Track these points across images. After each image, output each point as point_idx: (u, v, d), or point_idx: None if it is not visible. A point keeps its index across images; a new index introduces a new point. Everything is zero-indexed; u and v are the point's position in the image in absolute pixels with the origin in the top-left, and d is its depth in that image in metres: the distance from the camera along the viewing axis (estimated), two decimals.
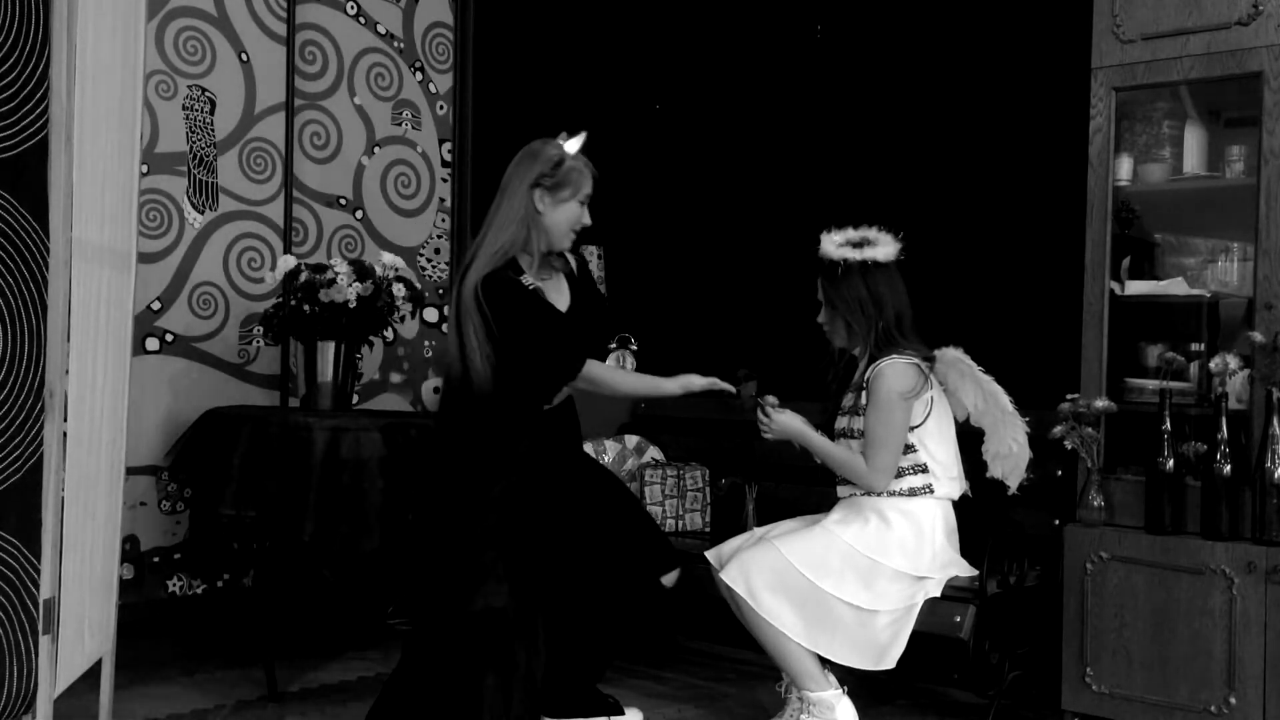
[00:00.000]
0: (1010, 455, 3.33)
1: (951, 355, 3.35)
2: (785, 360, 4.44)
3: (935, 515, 3.27)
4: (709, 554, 3.43)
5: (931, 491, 3.26)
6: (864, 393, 3.25)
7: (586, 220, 3.26)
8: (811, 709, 3.15)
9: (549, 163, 3.18)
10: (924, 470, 3.25)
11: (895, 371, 3.21)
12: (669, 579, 3.36)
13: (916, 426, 3.24)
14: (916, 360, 3.23)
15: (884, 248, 3.30)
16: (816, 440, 3.31)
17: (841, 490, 3.38)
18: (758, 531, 3.44)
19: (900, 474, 3.26)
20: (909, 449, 3.25)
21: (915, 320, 3.32)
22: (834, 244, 3.33)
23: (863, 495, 3.30)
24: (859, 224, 3.37)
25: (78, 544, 3.12)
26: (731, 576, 3.21)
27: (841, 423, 3.36)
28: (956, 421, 3.36)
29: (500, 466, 3.12)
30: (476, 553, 3.07)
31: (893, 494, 3.26)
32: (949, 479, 3.29)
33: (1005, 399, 3.30)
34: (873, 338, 3.28)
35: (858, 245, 3.31)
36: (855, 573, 3.16)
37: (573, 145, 3.22)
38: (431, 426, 4.05)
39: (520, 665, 3.01)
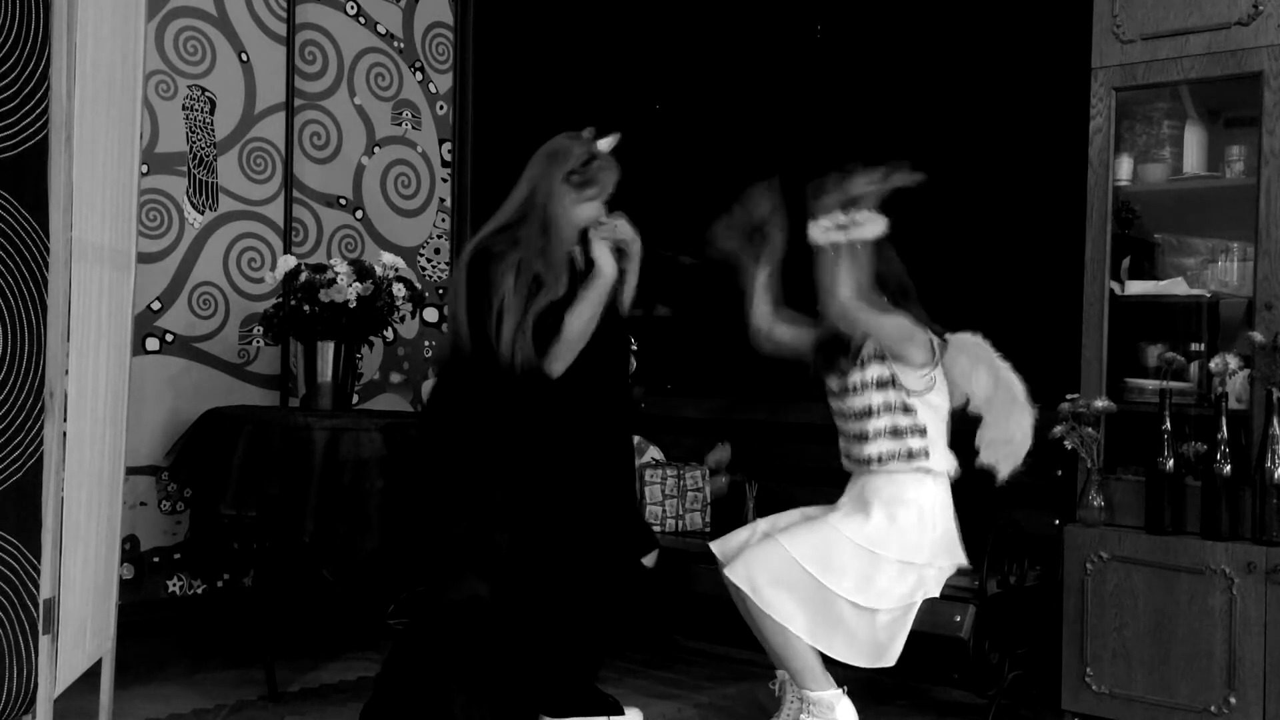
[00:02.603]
0: (1011, 442, 3.31)
1: (969, 340, 3.33)
2: (784, 358, 4.45)
3: (935, 499, 3.27)
4: (713, 545, 3.40)
5: (927, 457, 3.24)
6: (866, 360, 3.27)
7: (604, 219, 3.23)
8: (811, 708, 3.15)
9: (579, 159, 3.16)
10: (923, 433, 3.24)
11: (917, 333, 3.21)
12: (649, 560, 3.36)
13: (918, 394, 3.24)
14: (930, 336, 3.23)
15: (870, 226, 3.28)
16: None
17: (847, 463, 3.36)
18: (761, 524, 3.41)
19: (900, 434, 3.25)
20: (907, 410, 3.25)
21: (920, 297, 3.30)
22: (820, 230, 3.32)
23: (864, 476, 3.30)
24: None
25: (78, 544, 3.11)
26: (736, 574, 3.19)
27: (840, 382, 3.34)
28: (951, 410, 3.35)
29: (509, 474, 3.12)
30: (475, 544, 3.07)
31: (893, 456, 3.24)
32: (942, 453, 3.29)
33: (1019, 388, 3.28)
34: None
35: (843, 227, 3.29)
36: (857, 569, 3.16)
37: (605, 144, 3.21)
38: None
39: (490, 668, 3.02)
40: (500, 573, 3.06)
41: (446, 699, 3.00)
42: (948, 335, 3.35)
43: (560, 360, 3.13)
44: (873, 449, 3.28)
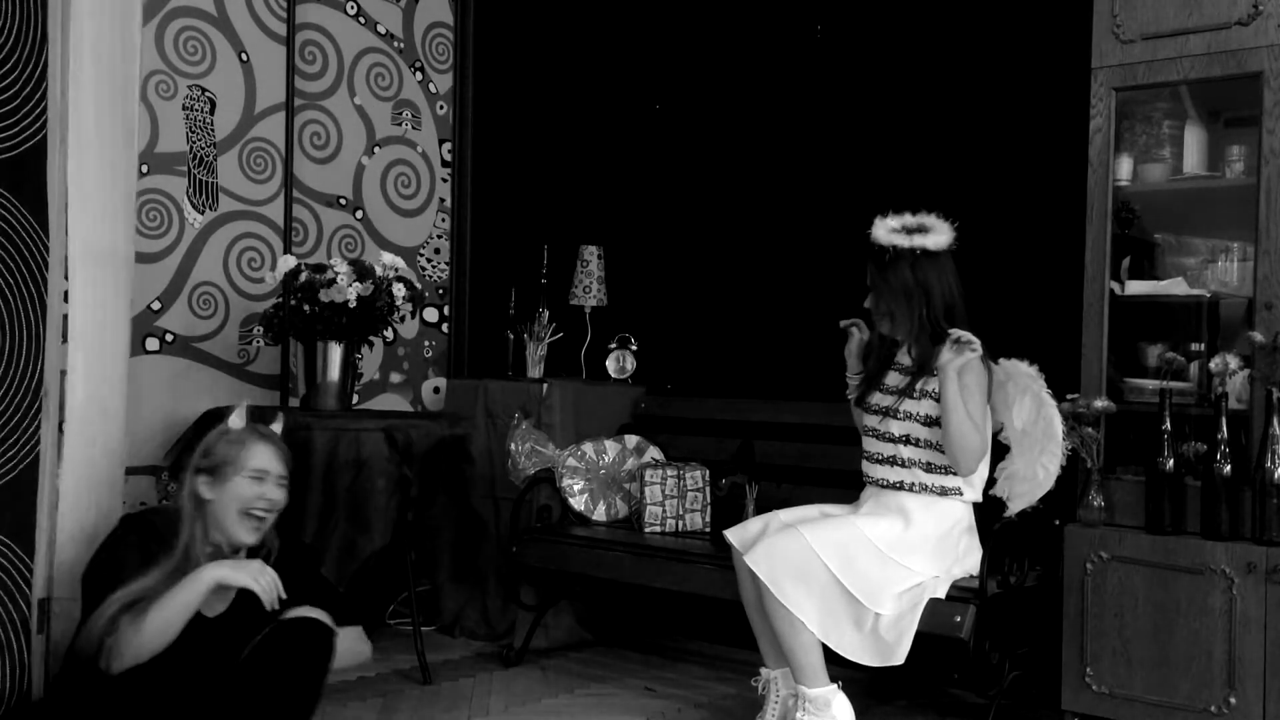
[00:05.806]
0: (1033, 480, 3.30)
1: (1022, 370, 3.32)
2: (784, 358, 4.45)
3: (960, 517, 3.27)
4: (729, 533, 3.37)
5: (960, 494, 3.26)
6: (922, 378, 3.26)
7: (273, 496, 2.93)
8: (808, 705, 3.14)
9: (203, 448, 2.92)
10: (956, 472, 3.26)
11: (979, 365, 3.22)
12: None
13: None
14: (988, 392, 3.25)
15: (936, 236, 3.25)
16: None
17: (871, 480, 3.37)
18: (782, 515, 3.38)
19: (934, 469, 3.26)
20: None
21: (968, 314, 3.28)
22: (886, 229, 3.27)
23: (890, 493, 3.30)
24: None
25: (75, 544, 3.11)
26: (757, 563, 3.17)
27: (886, 401, 3.34)
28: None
29: None
30: None
31: (925, 489, 3.25)
32: (980, 483, 3.30)
33: (1059, 426, 3.26)
34: (914, 327, 3.26)
35: (910, 232, 3.25)
36: (876, 571, 3.15)
37: (235, 420, 2.96)
38: (431, 427, 4.05)
39: None
40: None
41: None
42: (1001, 360, 3.34)
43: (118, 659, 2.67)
44: (906, 477, 3.29)
